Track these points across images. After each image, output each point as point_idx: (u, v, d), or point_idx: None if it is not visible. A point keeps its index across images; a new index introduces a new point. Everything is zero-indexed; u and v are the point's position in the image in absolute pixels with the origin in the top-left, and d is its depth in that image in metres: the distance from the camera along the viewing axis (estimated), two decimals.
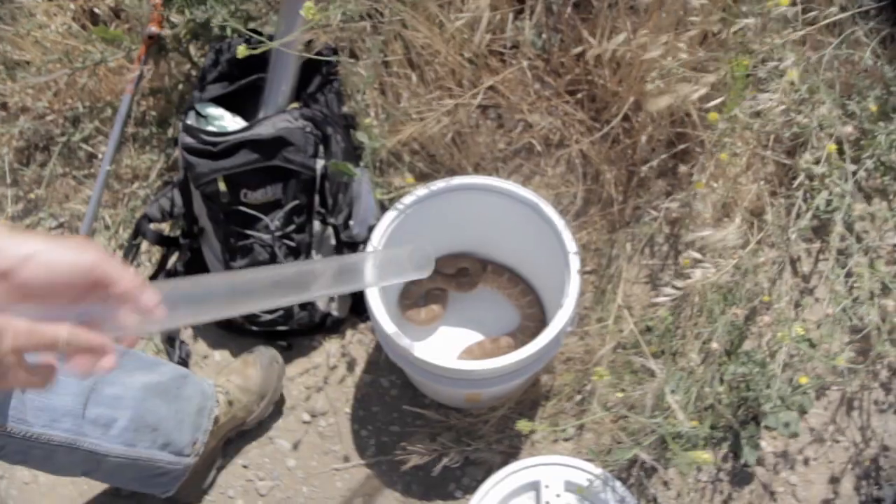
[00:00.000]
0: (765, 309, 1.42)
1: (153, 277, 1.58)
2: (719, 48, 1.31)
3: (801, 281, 1.59)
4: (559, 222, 1.31)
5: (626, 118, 1.61)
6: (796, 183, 1.47)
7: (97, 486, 1.43)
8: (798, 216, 1.46)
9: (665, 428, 1.24)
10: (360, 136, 1.31)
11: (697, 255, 1.28)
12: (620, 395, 1.38)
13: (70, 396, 1.15)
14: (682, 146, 1.45)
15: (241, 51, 1.24)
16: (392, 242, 1.32)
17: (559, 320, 1.23)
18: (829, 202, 1.46)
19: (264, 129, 1.32)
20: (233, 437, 1.46)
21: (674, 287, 1.28)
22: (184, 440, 1.31)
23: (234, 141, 1.31)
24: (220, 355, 1.58)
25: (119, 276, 0.60)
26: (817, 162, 1.41)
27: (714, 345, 1.27)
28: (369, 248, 1.30)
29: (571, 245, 1.29)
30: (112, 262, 0.60)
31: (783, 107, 1.18)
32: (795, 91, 1.26)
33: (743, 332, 1.47)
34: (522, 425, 1.17)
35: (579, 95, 1.61)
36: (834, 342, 1.42)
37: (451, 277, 1.54)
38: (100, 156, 1.58)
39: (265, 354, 1.49)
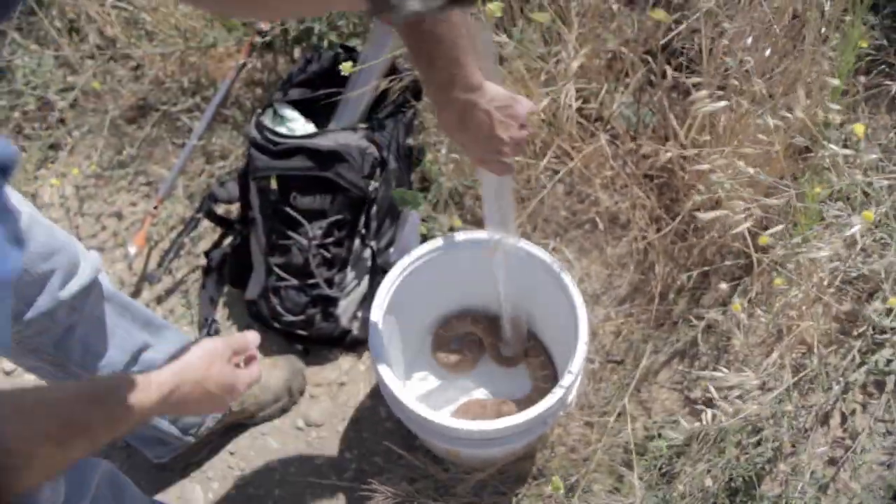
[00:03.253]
0: (784, 458, 1.31)
1: (207, 253, 1.66)
2: (796, 171, 1.23)
3: (847, 436, 1.44)
4: (579, 302, 1.26)
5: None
6: (858, 332, 1.34)
7: None
8: (850, 367, 1.33)
9: None
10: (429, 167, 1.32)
11: (714, 394, 1.20)
12: None
13: (119, 352, 1.21)
14: (734, 262, 1.36)
15: (347, 67, 1.29)
16: (408, 287, 1.31)
17: (547, 401, 1.18)
18: (889, 361, 1.32)
19: (324, 141, 1.37)
20: (233, 425, 1.51)
21: (677, 429, 1.21)
22: (193, 421, 1.37)
23: (292, 145, 1.36)
24: None
25: None
26: (888, 313, 1.29)
27: (707, 481, 1.18)
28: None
29: (584, 329, 1.24)
30: None
31: (838, 259, 1.09)
32: (866, 234, 1.15)
33: (759, 474, 1.36)
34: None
35: (656, 181, 1.55)
36: None
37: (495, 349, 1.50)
38: (193, 129, 1.68)
39: (294, 364, 1.53)
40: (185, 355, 0.88)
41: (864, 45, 1.16)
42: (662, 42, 1.47)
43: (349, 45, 1.51)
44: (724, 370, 1.09)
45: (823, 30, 1.23)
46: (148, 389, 0.79)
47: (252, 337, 0.99)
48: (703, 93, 1.08)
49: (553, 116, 1.48)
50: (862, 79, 1.46)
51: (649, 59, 1.53)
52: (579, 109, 1.55)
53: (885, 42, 1.50)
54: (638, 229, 1.53)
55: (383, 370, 1.24)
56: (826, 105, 1.18)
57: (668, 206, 1.56)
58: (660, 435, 1.40)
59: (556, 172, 1.60)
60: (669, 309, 1.52)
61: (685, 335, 1.46)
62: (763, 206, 1.09)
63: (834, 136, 1.07)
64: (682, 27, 1.43)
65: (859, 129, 1.01)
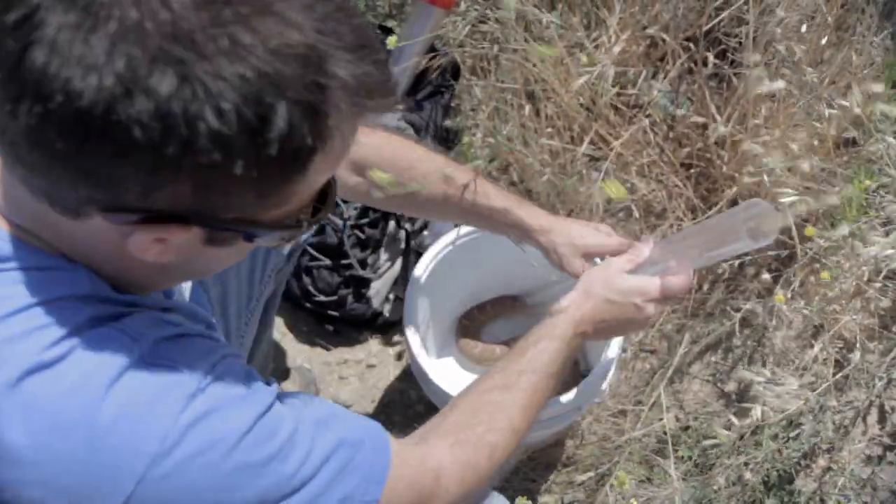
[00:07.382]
0: (823, 452, 1.29)
1: None
2: (848, 161, 1.21)
3: (885, 434, 1.42)
4: None
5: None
6: None
7: None
8: (893, 363, 1.31)
9: None
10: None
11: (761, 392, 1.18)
12: (634, 500, 1.30)
13: None
14: (775, 253, 1.34)
15: (392, 41, 1.25)
16: (441, 271, 1.31)
17: (580, 388, 1.17)
18: None
19: None
20: None
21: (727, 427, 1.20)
22: None
23: None
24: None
25: None
26: None
27: (747, 474, 1.16)
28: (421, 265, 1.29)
29: None
30: None
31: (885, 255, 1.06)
32: None
33: (794, 469, 1.34)
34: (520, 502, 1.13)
35: (693, 170, 1.53)
36: None
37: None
38: None
39: (306, 376, 1.50)
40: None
41: None
42: (705, 29, 1.45)
43: (386, 25, 1.50)
44: (763, 369, 1.07)
45: (875, 18, 1.20)
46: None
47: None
48: (759, 70, 1.06)
49: (592, 102, 1.47)
50: None
51: (691, 46, 1.50)
52: (617, 95, 1.53)
53: None
54: (675, 218, 1.51)
55: (416, 347, 1.23)
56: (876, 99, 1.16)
57: (705, 197, 1.54)
58: (689, 427, 1.39)
59: (595, 160, 1.58)
60: (704, 299, 1.50)
61: (720, 326, 1.44)
62: (812, 193, 1.07)
63: (889, 129, 1.05)
64: (724, 14, 1.41)
65: None
